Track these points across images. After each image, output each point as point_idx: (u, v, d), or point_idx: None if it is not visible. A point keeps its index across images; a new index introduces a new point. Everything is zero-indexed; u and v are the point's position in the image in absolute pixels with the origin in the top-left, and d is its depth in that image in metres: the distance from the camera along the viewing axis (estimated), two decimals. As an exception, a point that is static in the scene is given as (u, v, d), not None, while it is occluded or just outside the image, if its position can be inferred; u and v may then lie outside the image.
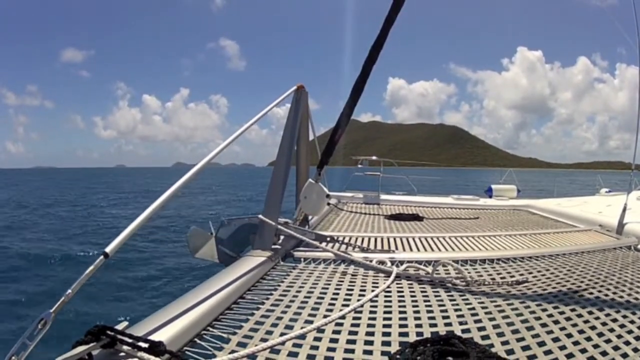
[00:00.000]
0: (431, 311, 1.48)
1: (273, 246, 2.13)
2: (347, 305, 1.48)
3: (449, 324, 1.36)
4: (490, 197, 6.53)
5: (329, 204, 4.54)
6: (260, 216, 2.18)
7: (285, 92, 2.48)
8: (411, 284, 1.81)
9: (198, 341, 1.20)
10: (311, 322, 1.33)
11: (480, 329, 1.32)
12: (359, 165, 6.41)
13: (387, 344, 1.21)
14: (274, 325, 1.33)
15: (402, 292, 1.71)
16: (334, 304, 1.54)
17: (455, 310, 1.49)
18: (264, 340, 1.21)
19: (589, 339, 1.26)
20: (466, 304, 1.56)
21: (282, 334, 1.25)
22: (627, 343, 1.24)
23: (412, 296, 1.65)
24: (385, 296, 1.64)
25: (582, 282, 1.90)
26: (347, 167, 6.88)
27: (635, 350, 1.20)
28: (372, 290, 1.68)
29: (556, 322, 1.38)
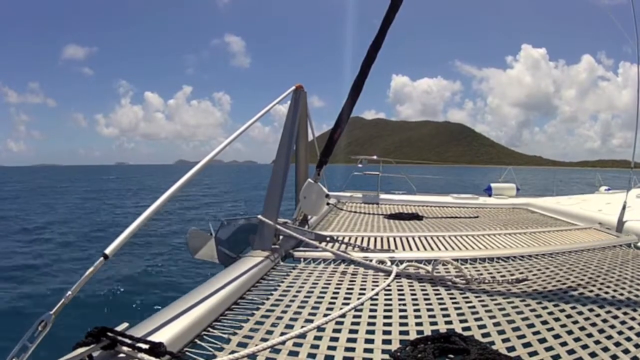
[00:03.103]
0: (431, 309, 1.48)
1: (273, 246, 2.13)
2: (347, 304, 1.49)
3: (450, 322, 1.36)
4: (490, 195, 6.54)
5: (328, 203, 4.54)
6: (259, 216, 2.18)
7: (285, 92, 2.49)
8: (411, 283, 1.82)
9: (198, 342, 1.20)
10: (311, 321, 1.33)
11: (480, 326, 1.32)
12: (359, 165, 6.41)
13: (388, 342, 1.21)
14: (274, 325, 1.33)
15: (402, 290, 1.71)
16: (334, 303, 1.54)
17: (456, 308, 1.49)
18: (264, 340, 1.21)
19: (590, 335, 1.26)
20: (466, 302, 1.56)
21: (282, 334, 1.25)
22: (628, 339, 1.25)
23: (412, 294, 1.65)
24: (386, 294, 1.64)
25: (582, 280, 1.90)
26: (348, 165, 6.85)
27: (636, 346, 1.20)
28: (372, 289, 1.68)
29: (557, 319, 1.39)
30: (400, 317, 1.41)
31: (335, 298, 1.60)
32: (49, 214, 17.75)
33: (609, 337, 1.25)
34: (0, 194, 30.90)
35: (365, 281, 1.84)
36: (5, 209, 19.88)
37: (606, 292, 1.71)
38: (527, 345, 1.18)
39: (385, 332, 1.28)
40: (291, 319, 1.38)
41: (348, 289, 1.73)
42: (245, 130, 1.98)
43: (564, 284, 1.84)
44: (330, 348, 1.17)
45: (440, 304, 1.54)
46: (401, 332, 1.28)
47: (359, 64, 2.23)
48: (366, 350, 1.16)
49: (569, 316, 1.42)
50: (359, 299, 1.56)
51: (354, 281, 1.84)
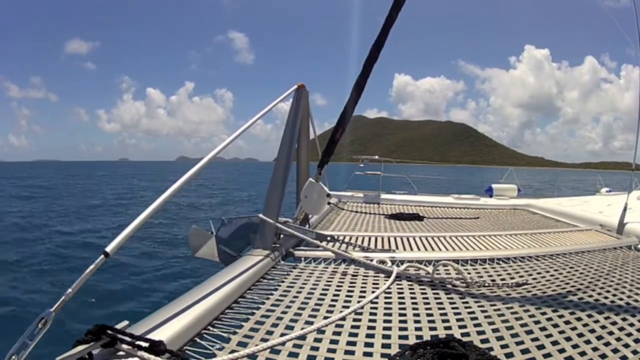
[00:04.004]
0: (431, 313, 1.48)
1: (273, 245, 2.13)
2: (348, 306, 1.49)
3: (449, 327, 1.36)
4: (491, 196, 6.53)
5: (329, 203, 4.54)
6: (260, 215, 2.18)
7: (287, 91, 2.48)
8: (411, 285, 1.81)
9: (198, 340, 1.20)
10: (311, 322, 1.33)
11: (479, 332, 1.32)
12: (361, 165, 6.41)
13: (387, 346, 1.21)
14: (275, 325, 1.34)
15: (402, 293, 1.71)
16: (334, 305, 1.54)
17: (455, 312, 1.49)
18: (264, 340, 1.21)
19: (588, 341, 1.26)
20: (466, 306, 1.56)
21: (282, 334, 1.25)
22: (626, 346, 1.24)
23: (412, 298, 1.65)
24: (386, 297, 1.64)
25: (582, 283, 1.90)
26: (352, 164, 6.85)
27: (634, 352, 1.20)
28: (373, 291, 1.68)
29: (555, 325, 1.38)
30: (400, 321, 1.41)
31: (336, 299, 1.60)
32: (92, 221, 14.02)
33: (607, 344, 1.25)
34: (16, 190, 27.32)
35: (366, 282, 1.84)
36: (40, 209, 16.30)
37: (605, 297, 1.71)
38: (525, 351, 1.18)
39: (384, 336, 1.28)
40: (291, 320, 1.38)
41: (348, 290, 1.73)
42: (247, 128, 1.97)
43: (564, 288, 1.83)
44: (330, 351, 1.17)
45: (439, 308, 1.54)
46: (400, 337, 1.28)
47: (362, 63, 2.22)
48: (365, 354, 1.16)
49: (567, 322, 1.41)
50: (359, 301, 1.56)
51: (355, 282, 1.84)
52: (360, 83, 2.24)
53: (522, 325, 1.37)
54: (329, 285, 1.76)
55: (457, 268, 1.88)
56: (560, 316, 1.47)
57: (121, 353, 1.00)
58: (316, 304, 1.54)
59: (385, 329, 1.34)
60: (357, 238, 2.80)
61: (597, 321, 1.43)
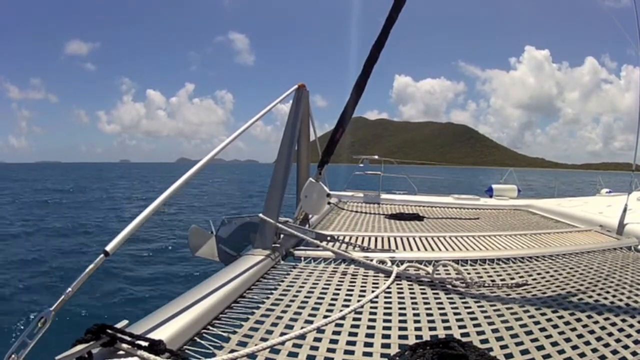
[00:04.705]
0: (431, 313, 1.48)
1: (273, 245, 2.13)
2: (348, 306, 1.49)
3: (449, 327, 1.36)
4: (491, 196, 6.53)
5: (329, 203, 4.54)
6: (260, 215, 2.18)
7: (287, 91, 2.48)
8: (411, 285, 1.81)
9: (198, 340, 1.20)
10: (311, 322, 1.33)
11: (479, 332, 1.32)
12: (361, 165, 6.41)
13: (387, 346, 1.21)
14: (274, 324, 1.34)
15: (402, 293, 1.71)
16: (334, 304, 1.54)
17: (455, 313, 1.49)
18: (264, 339, 1.21)
19: (587, 343, 1.26)
20: (466, 306, 1.56)
21: (282, 334, 1.25)
22: (626, 347, 1.24)
23: (412, 297, 1.65)
24: (385, 297, 1.64)
25: (581, 284, 1.90)
26: (351, 165, 6.85)
27: (634, 354, 1.20)
28: (372, 291, 1.68)
29: (555, 326, 1.38)
30: (400, 320, 1.41)
31: (336, 299, 1.60)
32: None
33: (607, 345, 1.25)
34: (35, 195, 23.50)
35: (366, 282, 1.84)
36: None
37: (605, 298, 1.70)
38: (524, 352, 1.18)
39: (384, 336, 1.28)
40: (291, 319, 1.38)
41: (348, 289, 1.73)
42: (247, 129, 1.97)
43: (564, 289, 1.83)
44: (329, 350, 1.17)
45: (439, 308, 1.54)
46: (400, 337, 1.28)
47: (363, 64, 2.22)
48: (365, 354, 1.16)
49: (567, 323, 1.41)
50: (359, 300, 1.56)
51: (354, 282, 1.84)
52: (361, 84, 2.24)
53: (521, 326, 1.37)
54: (329, 285, 1.76)
55: (457, 268, 1.88)
56: (560, 317, 1.47)
57: (121, 352, 1.00)
58: (316, 304, 1.54)
59: (385, 328, 1.34)
60: (357, 238, 2.80)
61: (596, 322, 1.43)
